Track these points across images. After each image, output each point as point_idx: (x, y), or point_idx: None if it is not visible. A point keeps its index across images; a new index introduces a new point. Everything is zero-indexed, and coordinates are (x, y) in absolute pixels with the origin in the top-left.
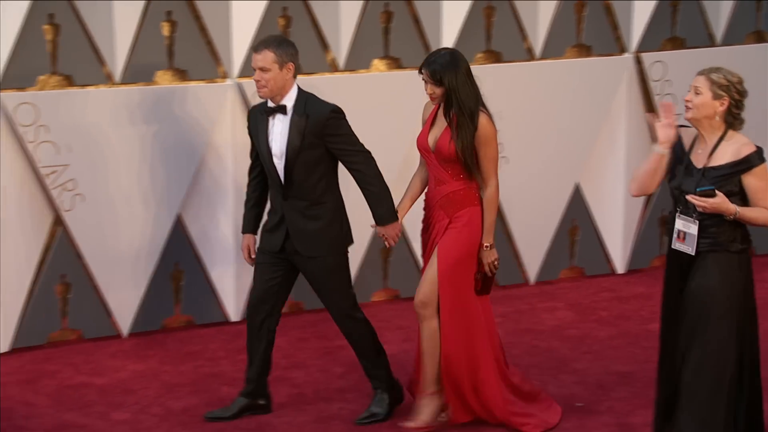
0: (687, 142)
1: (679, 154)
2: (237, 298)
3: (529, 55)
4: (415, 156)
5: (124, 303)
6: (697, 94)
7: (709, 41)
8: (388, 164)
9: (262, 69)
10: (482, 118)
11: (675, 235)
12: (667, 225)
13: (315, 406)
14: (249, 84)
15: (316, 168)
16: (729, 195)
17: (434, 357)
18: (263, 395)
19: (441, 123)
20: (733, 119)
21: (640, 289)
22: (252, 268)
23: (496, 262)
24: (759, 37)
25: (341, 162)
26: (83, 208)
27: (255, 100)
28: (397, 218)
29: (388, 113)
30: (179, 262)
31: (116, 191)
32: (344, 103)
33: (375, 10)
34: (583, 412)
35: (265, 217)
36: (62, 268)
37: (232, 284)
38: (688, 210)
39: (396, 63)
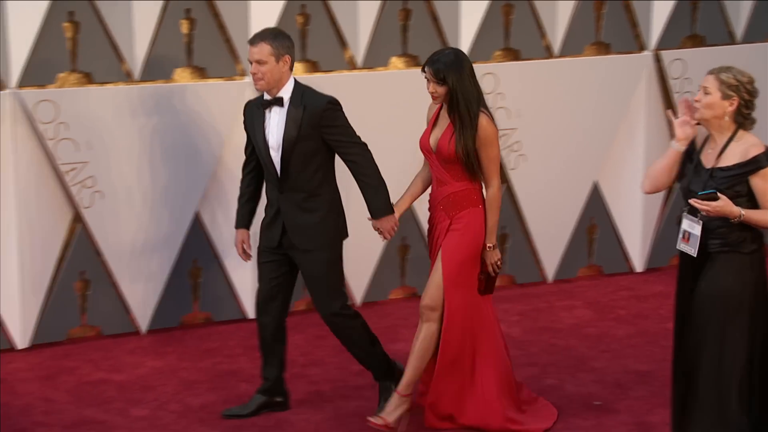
0: (699, 141)
1: (690, 153)
2: (255, 295)
3: (548, 53)
4: None
5: (142, 300)
6: (706, 93)
7: (729, 39)
8: (406, 162)
9: (258, 62)
10: (483, 119)
11: (680, 236)
12: None
13: (333, 403)
14: None
15: (313, 159)
16: (737, 196)
17: (422, 360)
18: (281, 392)
19: (443, 123)
20: (743, 119)
21: (659, 288)
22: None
23: (499, 263)
24: None
25: (337, 154)
26: (102, 205)
27: None
28: (392, 211)
29: (407, 111)
30: (197, 259)
31: (135, 188)
32: (363, 101)
33: (393, 7)
34: (601, 410)
35: (262, 214)
36: (81, 264)
37: (250, 281)
38: (694, 210)
39: (414, 61)
